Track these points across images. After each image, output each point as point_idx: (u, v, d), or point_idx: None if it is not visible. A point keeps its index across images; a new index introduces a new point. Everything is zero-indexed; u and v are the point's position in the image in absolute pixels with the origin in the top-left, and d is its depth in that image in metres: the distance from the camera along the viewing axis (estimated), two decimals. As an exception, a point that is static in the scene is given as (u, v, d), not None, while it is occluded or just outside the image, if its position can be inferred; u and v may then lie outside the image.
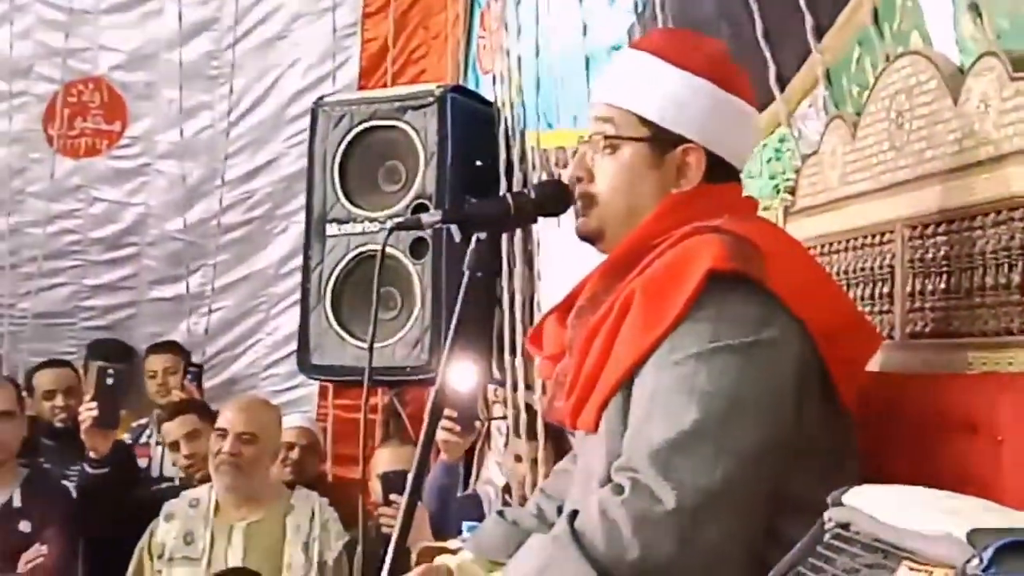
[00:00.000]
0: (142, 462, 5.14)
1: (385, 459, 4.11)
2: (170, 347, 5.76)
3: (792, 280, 1.80)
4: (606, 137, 1.97)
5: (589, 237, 2.03)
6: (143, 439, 5.28)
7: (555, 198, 2.05)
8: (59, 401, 5.17)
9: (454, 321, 1.97)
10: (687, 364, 1.74)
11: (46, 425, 5.20)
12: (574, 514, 1.77)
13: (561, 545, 1.74)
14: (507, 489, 4.41)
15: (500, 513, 2.26)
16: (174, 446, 4.73)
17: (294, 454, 4.84)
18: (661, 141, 1.94)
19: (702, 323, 1.75)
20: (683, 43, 2.05)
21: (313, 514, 4.14)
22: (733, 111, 1.97)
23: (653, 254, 1.86)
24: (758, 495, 1.72)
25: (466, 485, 4.63)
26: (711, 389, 1.72)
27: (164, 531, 4.10)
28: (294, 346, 4.75)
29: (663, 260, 1.83)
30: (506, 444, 4.57)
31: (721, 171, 1.96)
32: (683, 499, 1.67)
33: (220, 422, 4.17)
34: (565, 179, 2.11)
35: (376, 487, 3.86)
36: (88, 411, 4.29)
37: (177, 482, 4.81)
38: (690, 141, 1.93)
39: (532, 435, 4.19)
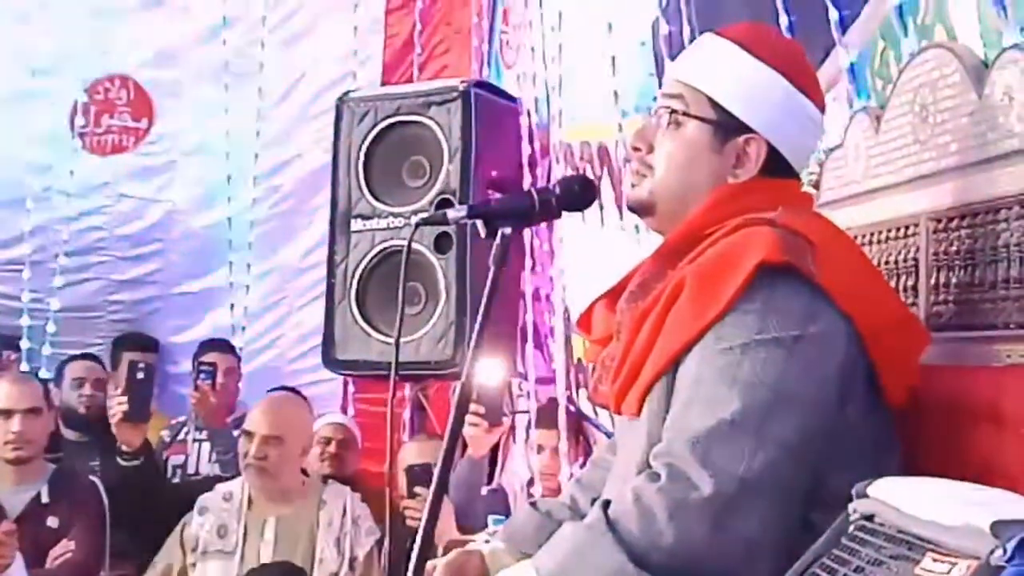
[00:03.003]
0: (179, 459, 5.16)
1: (412, 453, 4.13)
2: (224, 345, 5.75)
3: (842, 276, 1.80)
4: (673, 112, 1.99)
5: (638, 208, 2.05)
6: (181, 436, 5.31)
7: (580, 193, 2.05)
8: (87, 390, 5.22)
9: (480, 316, 1.97)
10: (732, 354, 1.75)
11: (72, 411, 5.24)
12: (607, 503, 1.78)
13: (594, 532, 1.74)
14: (531, 483, 4.42)
15: (533, 504, 2.27)
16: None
17: (331, 448, 4.88)
18: (726, 127, 1.96)
19: (750, 314, 1.76)
20: (765, 37, 2.07)
21: (345, 509, 4.15)
22: (801, 110, 1.98)
23: (706, 243, 1.87)
24: (795, 488, 1.72)
25: (491, 479, 4.65)
26: (754, 380, 1.73)
27: (197, 524, 4.13)
28: (318, 340, 4.76)
29: (715, 249, 1.84)
30: (527, 437, 4.59)
31: (778, 167, 1.97)
32: (721, 486, 1.68)
33: (247, 423, 4.18)
34: (589, 174, 2.13)
35: (402, 480, 3.88)
36: (119, 405, 4.33)
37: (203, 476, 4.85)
38: (753, 132, 1.95)
39: (553, 426, 4.21)
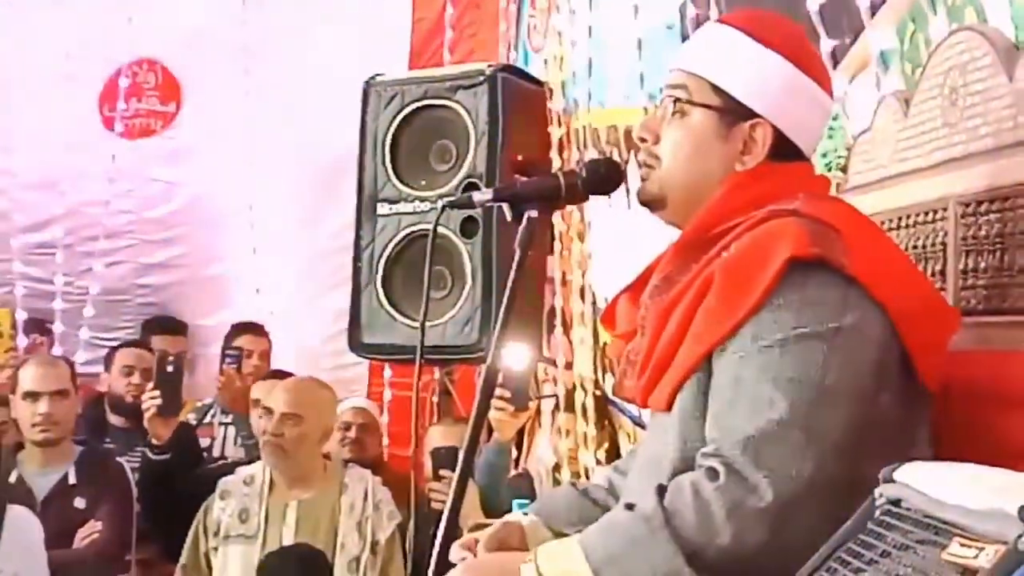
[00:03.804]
0: (205, 441, 5.19)
1: (438, 437, 4.14)
2: (257, 329, 5.78)
3: (871, 264, 1.79)
4: (677, 100, 1.98)
5: (649, 203, 2.04)
6: (207, 419, 5.33)
7: (606, 176, 2.05)
8: (136, 379, 5.24)
9: (505, 299, 1.97)
10: (771, 351, 1.74)
11: (118, 398, 5.27)
12: (663, 490, 1.77)
13: (652, 525, 1.73)
14: (557, 468, 4.43)
15: (572, 483, 2.27)
16: (255, 403, 4.79)
17: (351, 433, 4.90)
18: (731, 113, 1.95)
19: (784, 310, 1.76)
20: (767, 22, 2.05)
21: (366, 494, 4.16)
22: (806, 93, 1.97)
23: (731, 236, 1.86)
24: (845, 482, 1.70)
25: (516, 463, 4.66)
26: (797, 376, 1.72)
27: (219, 508, 4.13)
28: (344, 324, 4.77)
29: (742, 243, 1.83)
30: (553, 421, 4.59)
31: (786, 151, 1.95)
32: (779, 490, 1.68)
33: (267, 401, 4.20)
34: (616, 157, 2.12)
35: (427, 463, 3.89)
36: (152, 399, 4.33)
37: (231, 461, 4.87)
38: (759, 117, 1.94)
39: (580, 411, 4.21)
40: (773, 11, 2.27)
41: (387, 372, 5.89)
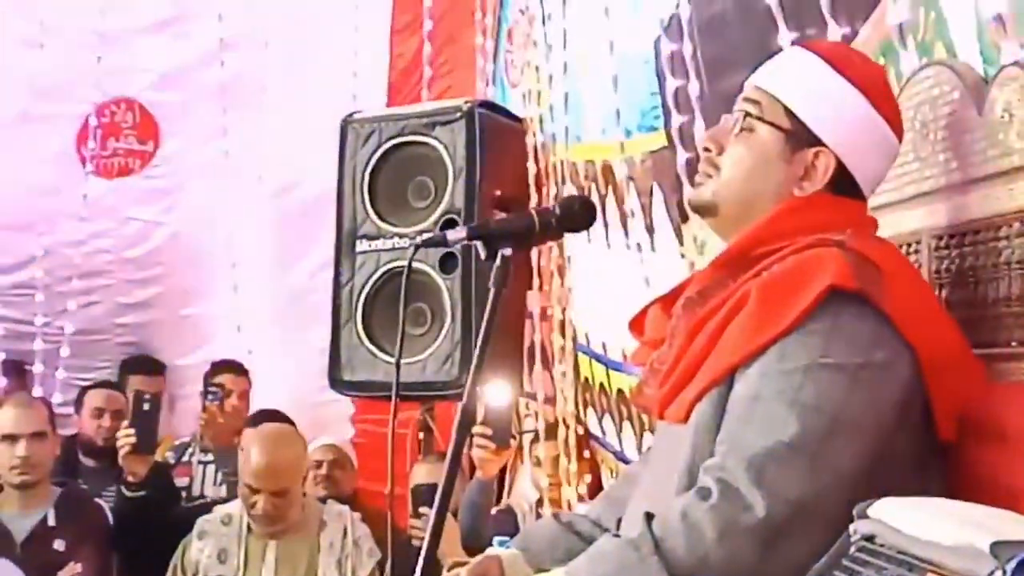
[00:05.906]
0: (183, 481, 5.15)
1: (422, 474, 4.11)
2: (237, 367, 5.76)
3: (908, 306, 1.79)
4: (748, 115, 1.99)
5: (700, 208, 2.05)
6: (185, 458, 5.30)
7: (580, 214, 2.06)
8: (106, 421, 5.23)
9: (480, 338, 1.97)
10: (794, 375, 1.74)
11: (88, 440, 5.24)
12: (651, 517, 1.76)
13: (641, 553, 1.72)
14: (540, 503, 4.41)
15: (555, 515, 2.26)
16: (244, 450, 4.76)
17: (323, 470, 4.88)
18: (798, 137, 1.95)
19: (815, 336, 1.76)
20: (851, 55, 2.06)
21: (346, 531, 4.13)
22: (877, 132, 1.96)
23: (773, 258, 1.86)
24: (846, 514, 1.64)
25: (499, 499, 4.64)
26: (815, 404, 1.72)
27: (197, 549, 4.09)
28: (324, 361, 4.75)
29: (784, 266, 1.84)
30: (532, 453, 4.58)
31: (845, 186, 1.95)
32: (773, 510, 1.67)
33: (250, 477, 4.04)
34: (593, 192, 2.12)
35: (410, 501, 3.87)
36: (127, 438, 4.29)
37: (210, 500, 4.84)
38: (825, 146, 1.94)
39: (562, 446, 4.20)
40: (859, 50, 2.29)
41: (350, 408, 5.87)
